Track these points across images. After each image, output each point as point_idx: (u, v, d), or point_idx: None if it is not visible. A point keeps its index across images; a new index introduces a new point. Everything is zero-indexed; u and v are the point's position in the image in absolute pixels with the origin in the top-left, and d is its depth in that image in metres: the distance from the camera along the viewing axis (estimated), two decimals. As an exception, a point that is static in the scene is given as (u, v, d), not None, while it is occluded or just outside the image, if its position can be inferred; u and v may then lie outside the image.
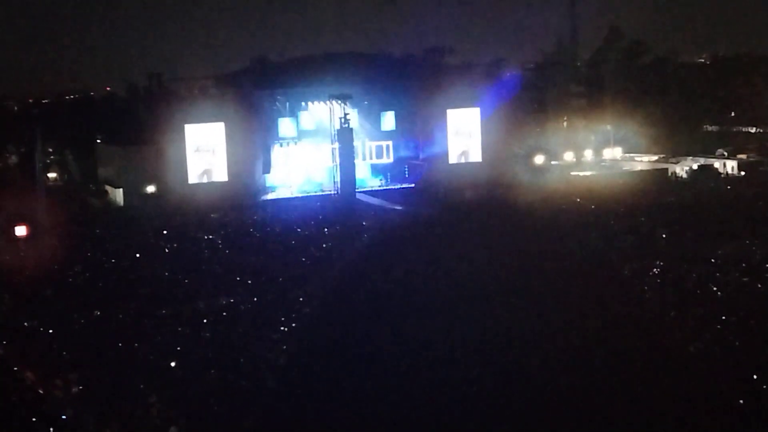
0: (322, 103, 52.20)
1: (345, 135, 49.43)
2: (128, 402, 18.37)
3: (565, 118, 65.52)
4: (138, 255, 33.22)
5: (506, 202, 43.26)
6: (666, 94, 65.58)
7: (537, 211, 39.79)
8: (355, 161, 50.58)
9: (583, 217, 37.66)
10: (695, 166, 55.51)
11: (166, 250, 34.40)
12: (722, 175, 53.69)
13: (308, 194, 50.43)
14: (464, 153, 54.23)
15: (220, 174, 49.62)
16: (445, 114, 53.64)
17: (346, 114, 49.86)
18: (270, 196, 50.31)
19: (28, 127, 52.93)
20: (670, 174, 54.61)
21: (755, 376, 17.98)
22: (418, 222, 36.65)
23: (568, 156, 59.25)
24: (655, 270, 27.68)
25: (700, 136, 64.96)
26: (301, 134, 53.08)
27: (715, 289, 25.46)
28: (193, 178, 49.28)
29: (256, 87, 53.21)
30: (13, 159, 57.85)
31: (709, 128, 68.46)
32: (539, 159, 55.98)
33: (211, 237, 36.42)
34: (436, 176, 51.52)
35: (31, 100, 68.89)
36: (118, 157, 52.07)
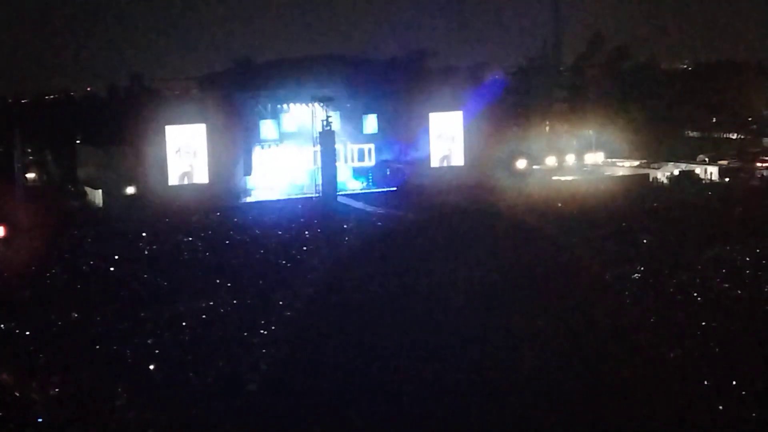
0: (304, 105, 52.09)
1: (327, 137, 49.32)
2: (106, 405, 18.21)
3: (548, 123, 65.66)
4: (117, 257, 32.99)
5: (488, 206, 43.22)
6: (648, 99, 65.85)
7: (518, 216, 39.77)
8: (337, 164, 50.48)
9: (564, 222, 37.66)
10: (676, 172, 55.75)
11: (146, 252, 34.18)
12: (703, 181, 53.95)
13: (290, 197, 50.25)
14: (446, 157, 54.20)
15: (201, 176, 49.35)
16: (427, 117, 53.60)
17: (328, 116, 49.75)
18: (251, 199, 50.10)
19: (7, 127, 52.50)
20: (651, 179, 54.83)
21: (734, 382, 18.02)
22: (399, 226, 36.56)
23: (550, 160, 59.36)
24: (635, 275, 27.70)
25: (682, 142, 65.24)
26: (283, 136, 52.88)
27: (695, 294, 25.51)
28: (173, 180, 49.00)
29: (238, 88, 53.00)
30: (-8, 159, 57.31)
31: (691, 134, 68.80)
32: (521, 163, 56.02)
33: (190, 239, 36.21)
34: (418, 180, 51.47)
35: (10, 100, 68.40)
36: (97, 158, 51.76)
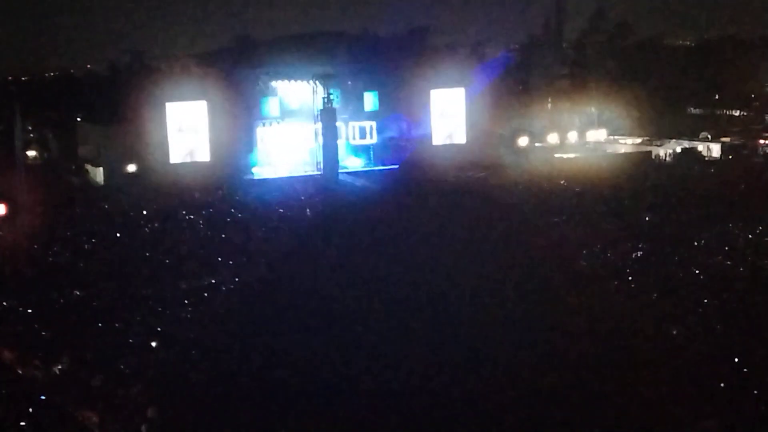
0: (305, 82, 51.88)
1: (328, 115, 49.12)
2: (108, 382, 18.24)
3: (550, 100, 65.45)
4: (118, 234, 32.98)
5: (490, 184, 43.27)
6: (651, 76, 65.61)
7: (520, 193, 39.80)
8: (338, 141, 50.31)
9: (566, 200, 37.66)
10: (679, 149, 55.58)
11: (147, 230, 34.16)
12: (706, 158, 53.80)
13: (291, 175, 50.11)
14: (449, 134, 54.07)
15: (203, 154, 49.24)
16: (429, 94, 53.42)
17: (329, 94, 49.54)
18: (252, 177, 49.97)
19: (8, 105, 52.28)
20: (653, 157, 54.67)
21: (737, 359, 18.03)
22: (398, 204, 36.52)
23: (552, 138, 59.12)
24: (638, 253, 27.70)
25: (685, 119, 65.06)
26: (285, 114, 52.68)
27: (697, 272, 25.51)
28: (175, 158, 48.87)
29: (239, 65, 52.76)
30: (-8, 137, 57.19)
31: (694, 111, 68.60)
32: (523, 141, 55.83)
33: (192, 217, 36.19)
34: (420, 157, 51.32)
35: (10, 78, 68.26)
36: (98, 136, 51.59)
